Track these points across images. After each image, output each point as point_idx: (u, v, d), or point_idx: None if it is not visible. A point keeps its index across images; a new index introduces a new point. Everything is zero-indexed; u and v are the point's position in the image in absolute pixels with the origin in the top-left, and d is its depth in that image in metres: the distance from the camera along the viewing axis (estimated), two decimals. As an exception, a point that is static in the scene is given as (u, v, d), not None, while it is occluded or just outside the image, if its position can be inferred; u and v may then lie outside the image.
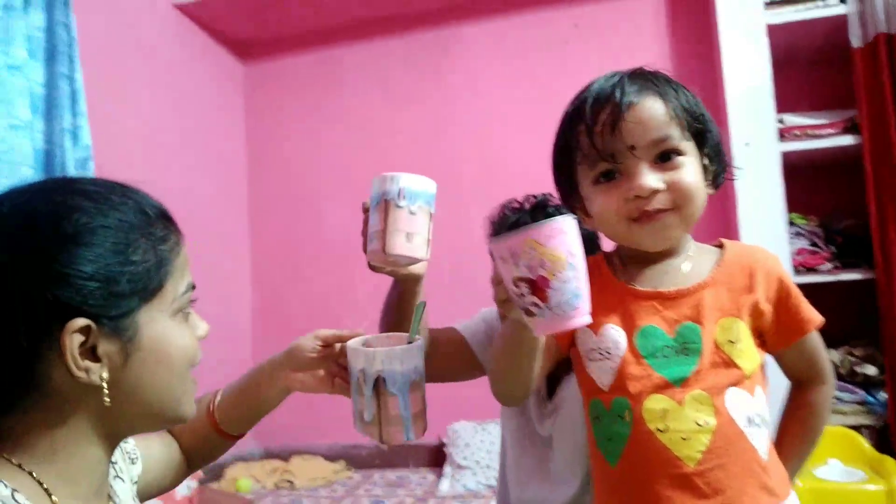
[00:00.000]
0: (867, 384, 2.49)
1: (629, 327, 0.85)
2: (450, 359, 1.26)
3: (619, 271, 0.91)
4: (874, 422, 2.46)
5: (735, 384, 0.81)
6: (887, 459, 2.27)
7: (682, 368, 0.82)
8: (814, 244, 2.62)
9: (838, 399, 2.46)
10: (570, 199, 0.92)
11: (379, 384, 0.84)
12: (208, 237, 3.16)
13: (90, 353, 0.62)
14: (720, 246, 0.91)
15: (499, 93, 3.33)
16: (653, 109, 0.82)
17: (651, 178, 0.81)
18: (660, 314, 0.85)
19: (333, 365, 0.93)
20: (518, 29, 3.33)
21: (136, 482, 0.84)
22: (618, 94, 0.83)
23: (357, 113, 3.53)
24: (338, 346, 0.93)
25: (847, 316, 2.76)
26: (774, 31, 2.55)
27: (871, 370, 2.49)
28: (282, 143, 3.65)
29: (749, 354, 0.83)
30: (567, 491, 1.27)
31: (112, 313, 0.63)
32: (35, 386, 0.62)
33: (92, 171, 2.16)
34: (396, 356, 0.84)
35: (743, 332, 0.83)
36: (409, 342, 0.90)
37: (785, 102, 2.58)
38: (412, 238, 0.91)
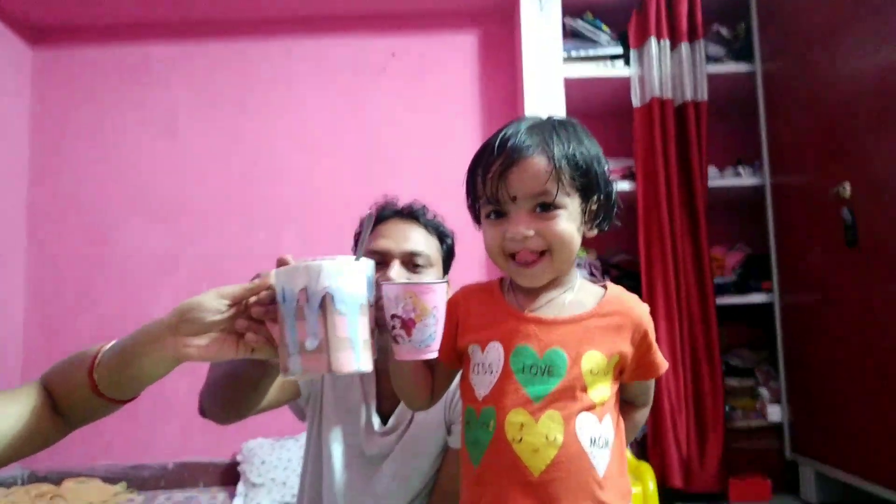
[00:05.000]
0: (631, 401, 2.82)
1: (508, 346, 0.95)
2: (277, 390, 1.27)
3: (509, 295, 1.01)
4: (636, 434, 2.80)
5: (586, 409, 0.93)
6: (644, 465, 2.59)
7: (542, 388, 0.92)
8: (592, 274, 2.94)
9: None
10: (477, 220, 1.03)
11: (326, 303, 0.78)
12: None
13: None
14: (605, 287, 1.02)
15: (321, 111, 3.34)
16: (536, 166, 0.93)
17: (523, 227, 0.94)
18: (535, 337, 0.95)
19: (242, 321, 0.82)
20: (339, 49, 3.37)
21: None
22: (510, 148, 0.95)
23: (162, 118, 3.32)
24: (254, 298, 0.82)
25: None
26: (570, 85, 2.85)
27: (634, 389, 2.82)
28: (74, 142, 3.30)
29: (603, 386, 0.95)
30: None
31: None
32: None
33: None
34: (345, 270, 0.80)
35: (602, 367, 0.94)
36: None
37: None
38: (354, 346, 0.81)
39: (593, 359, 0.94)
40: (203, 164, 3.30)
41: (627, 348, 0.97)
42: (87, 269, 3.24)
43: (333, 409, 1.37)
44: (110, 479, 3.01)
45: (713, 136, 2.86)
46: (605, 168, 1.00)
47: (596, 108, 3.07)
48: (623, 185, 2.85)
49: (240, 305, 0.83)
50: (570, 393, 0.92)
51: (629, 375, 1.00)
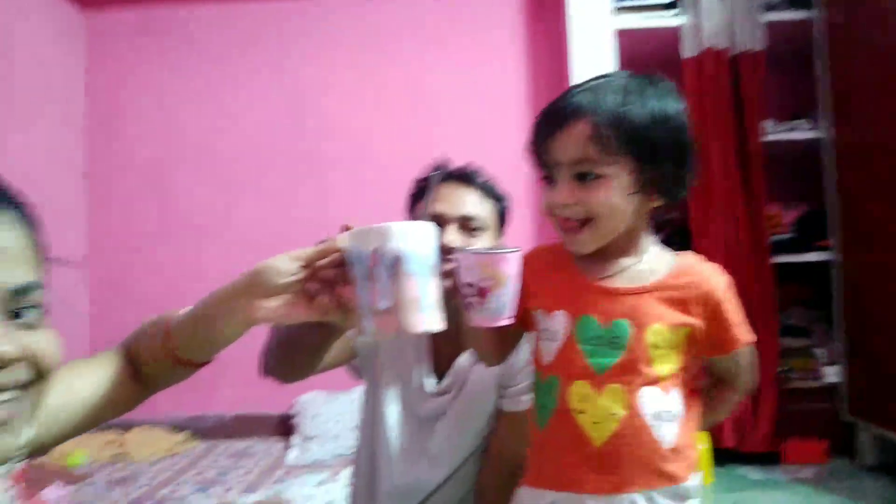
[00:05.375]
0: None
1: (574, 315, 0.95)
2: (337, 351, 1.30)
3: (579, 260, 0.98)
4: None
5: (650, 383, 0.92)
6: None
7: (606, 360, 0.92)
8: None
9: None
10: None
11: (396, 264, 0.77)
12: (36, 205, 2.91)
13: None
14: (678, 255, 1.00)
15: (364, 66, 3.33)
16: (578, 131, 0.90)
17: (563, 196, 0.92)
18: (600, 307, 0.94)
19: (313, 283, 0.82)
20: (383, 3, 3.34)
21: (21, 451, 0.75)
22: (556, 110, 0.93)
23: (213, 77, 3.37)
24: (325, 260, 0.81)
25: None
26: (619, 36, 2.76)
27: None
28: (127, 103, 3.40)
29: (668, 360, 0.93)
30: (444, 471, 1.35)
31: None
32: None
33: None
34: (414, 233, 0.80)
35: (667, 340, 0.93)
36: None
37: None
38: (426, 307, 0.80)
39: (658, 332, 0.92)
40: (252, 123, 3.36)
41: (697, 321, 0.94)
42: (146, 227, 3.37)
43: (388, 369, 1.40)
44: (173, 428, 3.17)
45: (769, 87, 2.74)
46: (678, 130, 0.93)
47: (644, 60, 2.98)
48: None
49: (311, 268, 0.82)
50: (634, 366, 0.91)
51: (704, 349, 0.97)
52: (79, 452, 2.83)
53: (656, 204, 0.95)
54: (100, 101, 3.42)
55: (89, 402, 0.82)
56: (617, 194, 0.91)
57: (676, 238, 2.89)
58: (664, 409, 0.92)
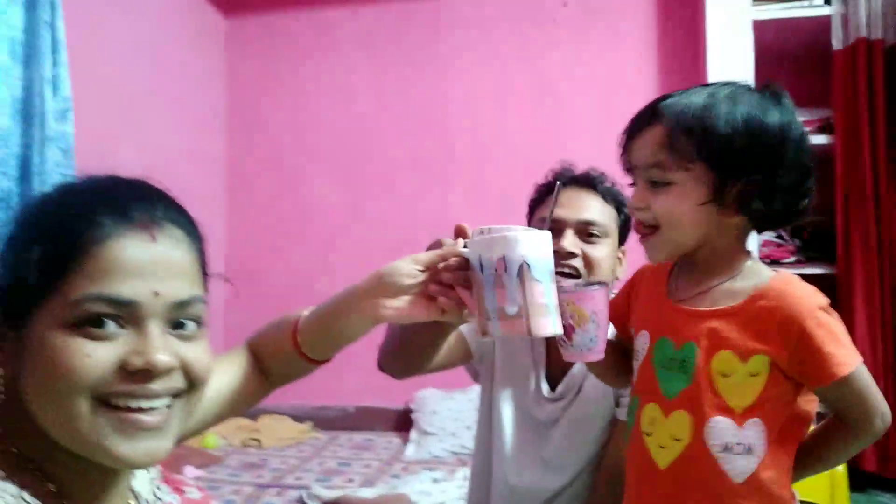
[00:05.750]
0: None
1: (654, 336, 0.94)
2: (450, 351, 1.32)
3: (672, 278, 0.97)
4: (826, 409, 2.58)
5: (721, 413, 0.86)
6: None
7: (676, 385, 0.90)
8: (780, 237, 2.71)
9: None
10: None
11: (523, 271, 0.80)
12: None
13: None
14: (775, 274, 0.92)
15: (489, 66, 3.34)
16: (653, 135, 0.89)
17: (636, 199, 0.92)
18: (677, 328, 0.91)
19: (433, 286, 0.86)
20: (508, 4, 3.33)
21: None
22: (639, 115, 0.92)
23: (344, 79, 3.50)
24: (444, 263, 0.85)
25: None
26: (759, 27, 2.60)
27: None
28: (264, 104, 3.60)
29: (741, 391, 0.86)
30: (560, 479, 1.32)
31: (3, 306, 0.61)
32: None
33: (71, 123, 2.13)
34: (539, 241, 0.82)
35: (737, 369, 0.86)
36: None
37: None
38: (550, 312, 0.83)
39: (726, 359, 0.87)
40: (377, 124, 3.45)
41: (777, 349, 0.85)
42: (278, 222, 3.55)
43: (504, 372, 1.39)
44: (298, 417, 3.32)
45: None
46: (777, 143, 0.85)
47: (786, 54, 2.80)
48: (819, 139, 2.58)
49: (431, 270, 0.86)
50: (701, 393, 0.87)
51: (805, 381, 0.88)
52: (213, 436, 3.02)
53: (737, 221, 0.89)
54: (239, 104, 3.63)
55: (224, 396, 0.87)
56: (683, 203, 0.87)
57: (817, 241, 2.69)
58: (735, 441, 0.86)
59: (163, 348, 0.61)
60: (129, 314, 0.60)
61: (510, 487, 1.36)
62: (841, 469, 2.30)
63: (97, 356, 0.58)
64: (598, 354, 0.88)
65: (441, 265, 0.86)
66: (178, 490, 0.78)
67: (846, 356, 0.85)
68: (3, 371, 0.61)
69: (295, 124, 3.56)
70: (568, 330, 0.87)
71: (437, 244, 0.92)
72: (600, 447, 1.34)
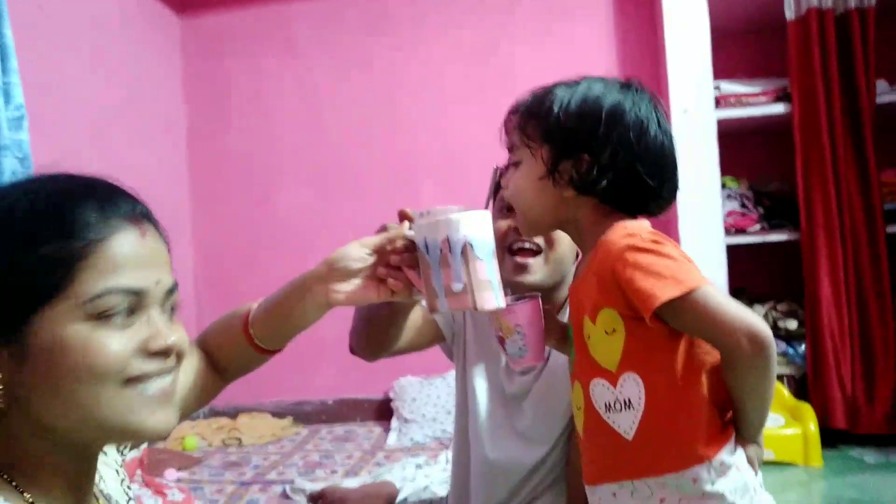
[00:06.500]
0: (788, 337, 2.67)
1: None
2: (420, 332, 1.36)
3: (579, 262, 1.06)
4: (794, 371, 2.66)
5: (597, 375, 0.90)
6: (804, 406, 2.46)
7: (571, 358, 0.97)
8: (744, 206, 2.76)
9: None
10: None
11: (466, 250, 0.85)
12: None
13: None
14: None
15: (447, 59, 3.31)
16: (510, 121, 0.98)
17: (503, 180, 1.00)
18: (571, 305, 0.98)
19: (382, 268, 0.90)
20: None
21: (123, 457, 0.84)
22: (512, 107, 1.00)
23: (306, 78, 3.41)
24: (391, 246, 0.89)
25: (774, 274, 2.94)
26: (714, 2, 2.63)
27: (792, 324, 2.67)
28: (225, 106, 3.48)
29: (606, 349, 0.88)
30: (538, 451, 1.34)
31: None
32: None
33: (26, 132, 2.07)
34: (480, 221, 0.87)
35: (593, 329, 0.89)
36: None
37: (721, 70, 2.68)
38: (493, 287, 0.88)
39: (586, 324, 0.91)
40: (340, 125, 3.38)
41: (613, 300, 0.86)
42: (245, 229, 3.46)
43: (475, 348, 1.42)
44: (277, 413, 3.30)
45: (881, 46, 2.55)
46: (609, 124, 0.88)
47: (742, 25, 2.84)
48: (776, 108, 2.63)
49: (379, 254, 0.90)
50: (581, 360, 0.93)
51: (643, 319, 0.83)
52: (192, 438, 3.00)
53: (583, 198, 0.92)
54: (200, 107, 3.52)
55: (180, 394, 0.86)
56: (526, 179, 0.94)
57: (779, 210, 2.75)
58: (612, 400, 0.89)
59: (171, 330, 0.67)
60: (137, 302, 0.65)
61: (489, 463, 1.37)
62: (813, 428, 2.37)
63: (123, 343, 0.63)
64: (533, 360, 0.98)
65: (388, 248, 0.91)
66: (160, 493, 0.78)
67: (658, 287, 0.80)
68: None
69: (257, 127, 3.46)
70: (500, 341, 0.99)
71: (383, 228, 0.98)
72: (570, 420, 1.36)
